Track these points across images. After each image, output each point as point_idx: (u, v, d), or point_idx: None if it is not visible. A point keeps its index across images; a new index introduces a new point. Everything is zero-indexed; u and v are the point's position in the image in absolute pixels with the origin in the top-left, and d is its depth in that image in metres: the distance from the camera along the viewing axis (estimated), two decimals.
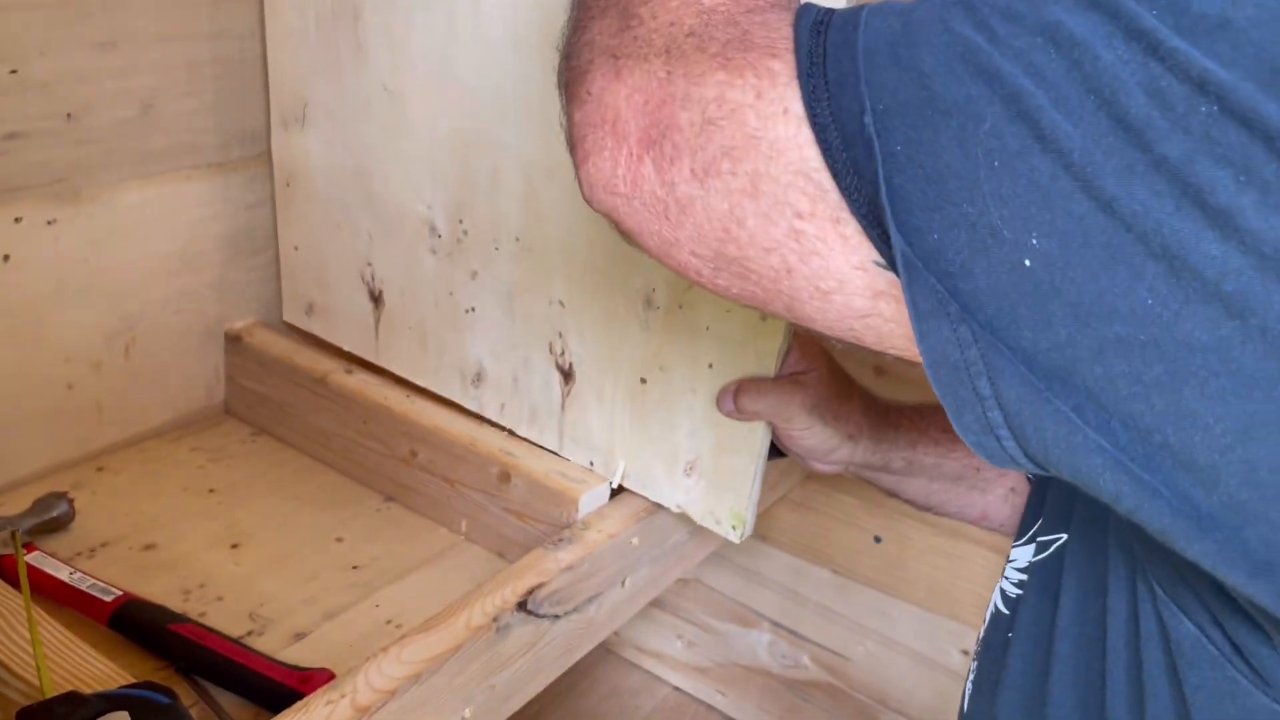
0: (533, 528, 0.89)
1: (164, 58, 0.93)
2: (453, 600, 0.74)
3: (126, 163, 0.93)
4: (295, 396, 1.03)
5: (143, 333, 0.99)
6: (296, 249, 1.04)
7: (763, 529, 1.16)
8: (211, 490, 0.97)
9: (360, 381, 1.01)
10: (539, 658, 0.78)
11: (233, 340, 1.07)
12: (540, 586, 0.77)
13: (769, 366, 0.78)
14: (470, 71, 0.85)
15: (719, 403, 0.79)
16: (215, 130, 1.00)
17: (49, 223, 0.89)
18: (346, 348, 1.04)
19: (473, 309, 0.92)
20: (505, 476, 0.90)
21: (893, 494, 0.86)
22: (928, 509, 0.86)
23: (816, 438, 0.78)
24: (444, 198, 0.90)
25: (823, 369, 0.79)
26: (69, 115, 0.88)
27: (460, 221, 0.90)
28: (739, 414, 0.78)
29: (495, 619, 0.73)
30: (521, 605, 0.75)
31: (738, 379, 0.78)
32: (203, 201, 1.01)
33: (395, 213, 0.94)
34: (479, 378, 0.94)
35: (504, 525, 0.91)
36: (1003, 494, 0.84)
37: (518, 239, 0.87)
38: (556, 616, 0.79)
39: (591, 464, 0.90)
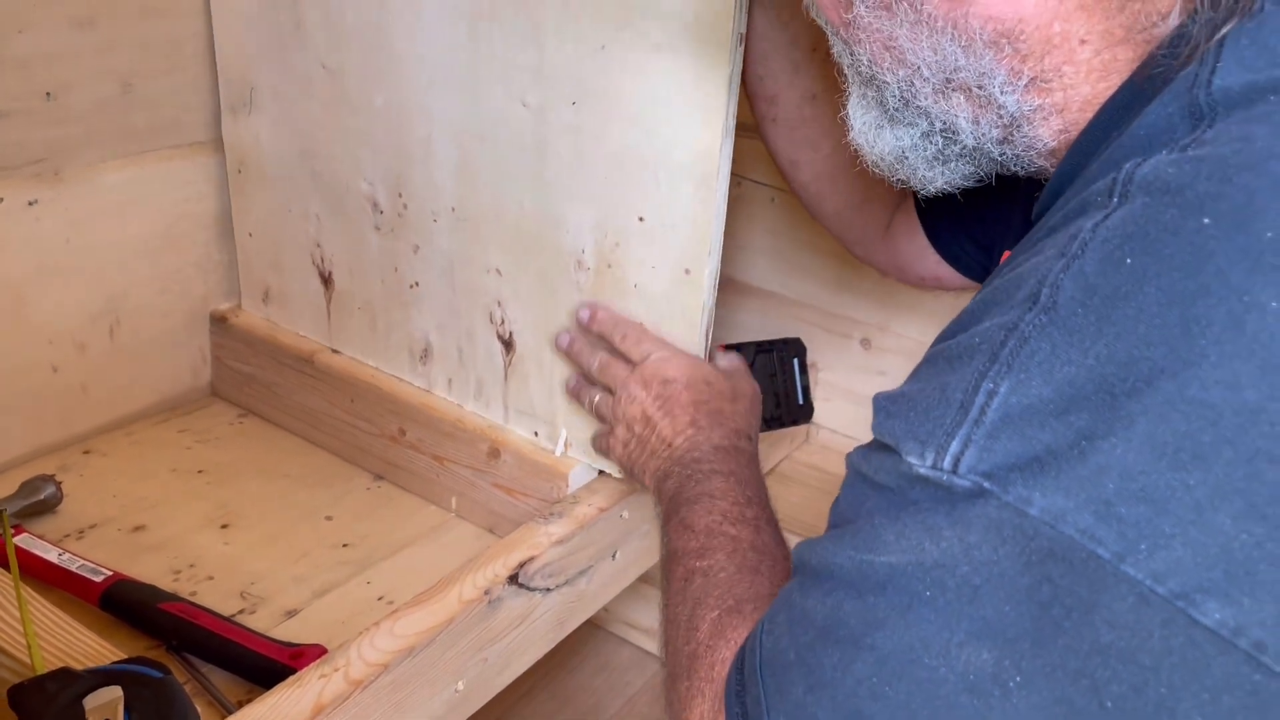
0: (523, 503, 0.89)
1: (144, 35, 0.93)
2: (443, 575, 0.74)
3: (107, 142, 0.93)
4: (282, 376, 1.03)
5: (127, 314, 0.99)
6: (250, 235, 1.04)
7: None
8: (200, 471, 0.97)
9: (347, 360, 1.00)
10: (531, 631, 0.78)
11: (218, 321, 1.06)
12: (531, 560, 0.77)
13: (694, 322, 0.79)
14: (402, 41, 0.85)
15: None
16: (197, 109, 0.99)
17: (30, 203, 0.88)
18: (301, 332, 1.04)
19: (416, 284, 0.93)
20: (495, 452, 0.90)
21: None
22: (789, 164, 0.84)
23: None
24: (383, 172, 0.91)
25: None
26: (48, 94, 0.87)
27: (400, 195, 0.91)
28: None
29: (487, 592, 0.73)
30: (513, 578, 0.75)
31: None
32: (185, 181, 1.00)
33: (340, 191, 0.95)
34: (426, 353, 0.95)
35: (494, 501, 0.91)
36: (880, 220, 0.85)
37: (453, 209, 0.88)
38: (548, 589, 0.79)
39: (536, 434, 0.90)
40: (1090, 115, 0.49)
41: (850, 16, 0.52)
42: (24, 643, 0.63)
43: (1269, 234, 0.37)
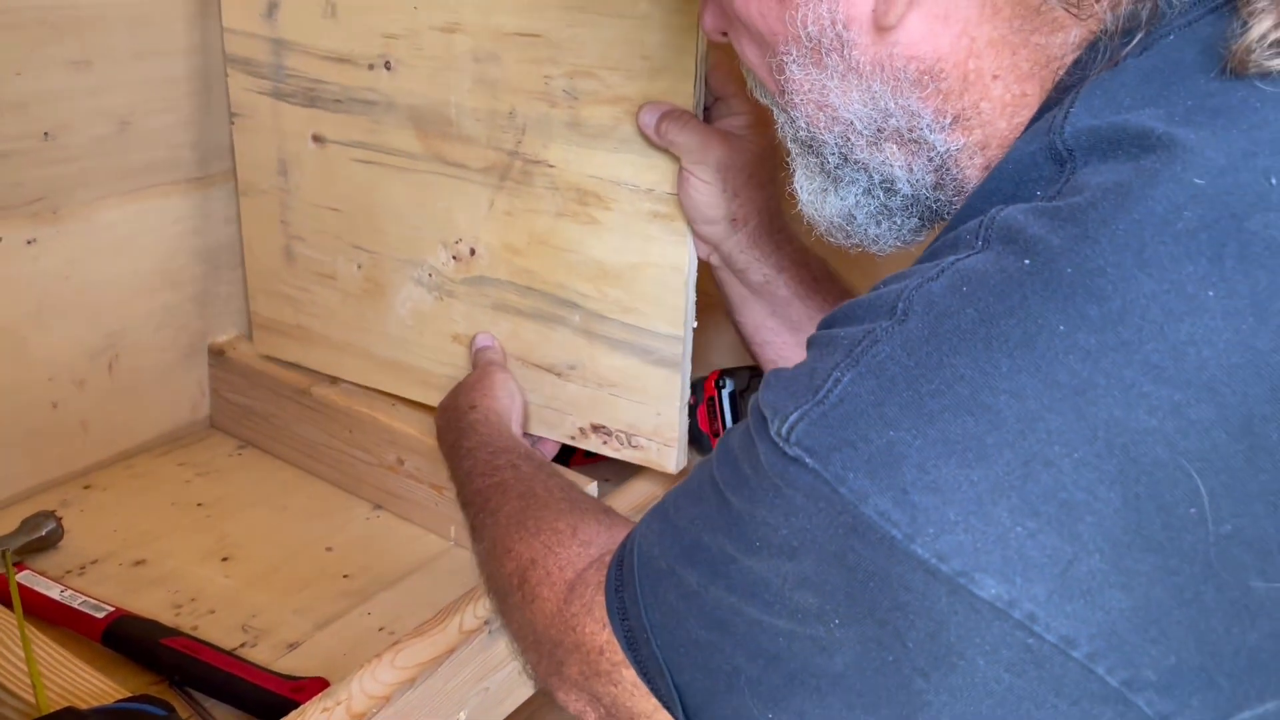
0: None
1: (139, 74, 0.94)
2: (444, 605, 0.75)
3: (105, 180, 0.94)
4: (280, 409, 1.03)
5: (126, 349, 0.99)
6: None
7: None
8: (200, 504, 0.97)
9: (344, 392, 1.01)
10: None
11: (216, 354, 1.07)
12: None
13: None
14: None
15: (640, 113, 0.78)
16: (192, 145, 1.00)
17: (29, 242, 0.89)
18: None
19: None
20: None
21: (730, 310, 0.86)
22: (752, 345, 0.86)
23: (707, 198, 0.77)
24: None
25: (758, 145, 0.78)
26: (46, 134, 0.88)
27: None
28: (654, 135, 0.77)
29: (487, 622, 0.73)
30: None
31: (671, 105, 0.77)
32: (182, 216, 1.01)
33: None
34: None
35: None
36: None
37: None
38: None
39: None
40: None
41: (783, 79, 0.56)
42: (29, 682, 0.63)
43: (1069, 270, 0.42)
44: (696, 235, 0.80)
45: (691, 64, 0.75)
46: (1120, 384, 0.40)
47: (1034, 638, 0.41)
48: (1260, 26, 0.44)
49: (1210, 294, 0.40)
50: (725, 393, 0.91)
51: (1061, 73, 0.51)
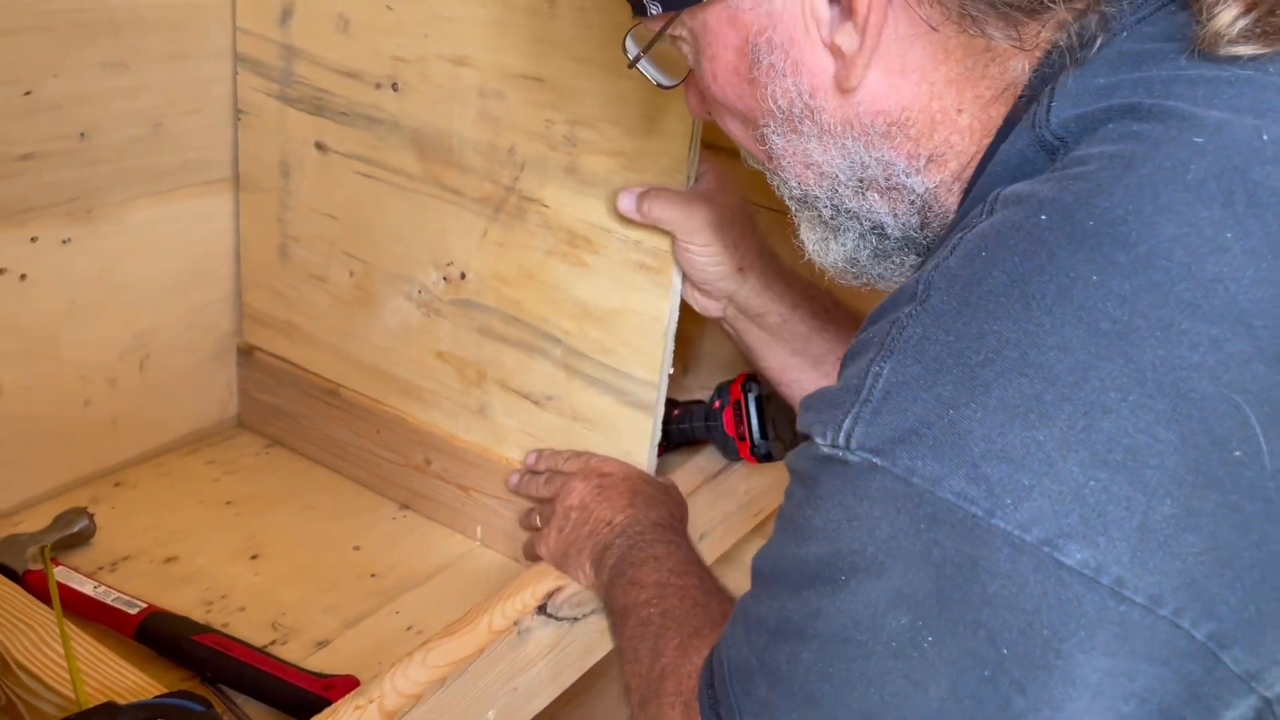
0: None
1: (173, 76, 0.94)
2: (472, 605, 0.75)
3: (138, 181, 0.95)
4: (308, 408, 1.04)
5: (157, 348, 1.00)
6: None
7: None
8: (229, 502, 0.98)
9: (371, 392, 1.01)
10: (560, 659, 0.79)
11: (245, 354, 1.08)
12: (559, 590, 0.78)
13: None
14: None
15: (618, 200, 0.79)
16: (223, 147, 1.01)
17: (64, 242, 0.90)
18: None
19: None
20: None
21: (753, 358, 0.86)
22: (780, 387, 0.86)
23: (710, 258, 0.78)
24: None
25: (733, 195, 0.79)
26: (81, 135, 0.89)
27: None
28: (638, 217, 0.78)
29: (516, 622, 0.74)
30: (541, 609, 0.76)
31: (645, 185, 0.78)
32: (212, 217, 1.02)
33: None
34: None
35: (519, 530, 0.92)
36: None
37: None
38: (575, 619, 0.80)
39: None
40: None
41: (767, 148, 0.58)
42: (68, 678, 0.64)
43: (1090, 222, 0.43)
44: (709, 294, 0.81)
45: (687, 127, 0.76)
46: (1159, 324, 0.41)
47: (1125, 604, 0.40)
48: (1228, 14, 0.46)
49: (1228, 235, 0.42)
50: (752, 396, 0.91)
51: (1023, 87, 0.53)
